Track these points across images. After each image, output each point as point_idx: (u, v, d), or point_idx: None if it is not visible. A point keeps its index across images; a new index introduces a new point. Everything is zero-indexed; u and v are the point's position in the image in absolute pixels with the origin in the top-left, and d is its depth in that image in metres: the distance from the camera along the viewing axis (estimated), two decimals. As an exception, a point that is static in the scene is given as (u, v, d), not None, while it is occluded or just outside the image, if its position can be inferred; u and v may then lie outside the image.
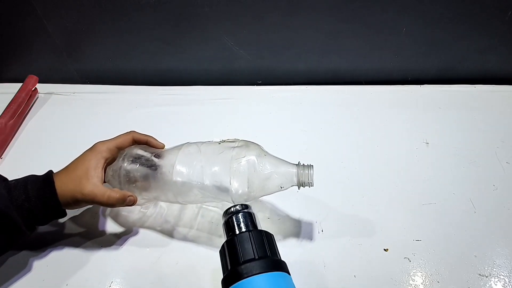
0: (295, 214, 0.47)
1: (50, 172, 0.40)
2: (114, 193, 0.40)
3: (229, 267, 0.33)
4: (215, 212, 0.47)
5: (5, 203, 0.36)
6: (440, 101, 0.65)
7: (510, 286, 0.40)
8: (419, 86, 0.68)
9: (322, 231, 0.46)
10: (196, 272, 0.42)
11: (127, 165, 0.43)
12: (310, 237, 0.45)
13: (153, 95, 0.68)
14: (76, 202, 0.39)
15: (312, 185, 0.39)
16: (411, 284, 0.40)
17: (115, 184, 0.43)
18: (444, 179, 0.51)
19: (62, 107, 0.66)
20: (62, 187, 0.38)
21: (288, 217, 0.47)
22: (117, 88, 0.70)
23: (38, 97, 0.68)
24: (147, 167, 0.42)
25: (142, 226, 0.46)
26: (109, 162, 0.43)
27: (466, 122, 0.61)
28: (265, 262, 0.32)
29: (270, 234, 0.36)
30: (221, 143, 0.42)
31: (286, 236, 0.45)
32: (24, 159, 0.57)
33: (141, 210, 0.48)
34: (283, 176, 0.39)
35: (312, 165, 0.40)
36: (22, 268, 0.42)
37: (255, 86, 0.70)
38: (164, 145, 0.47)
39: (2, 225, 0.36)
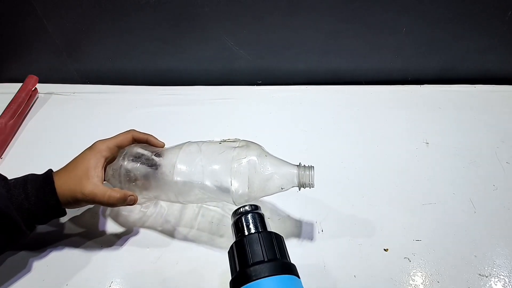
0: (295, 214, 0.47)
1: (50, 171, 0.40)
2: (114, 193, 0.40)
3: (237, 269, 0.32)
4: (216, 212, 0.47)
5: (4, 202, 0.35)
6: (440, 101, 0.65)
7: (510, 286, 0.40)
8: (419, 86, 0.68)
9: (322, 231, 0.46)
10: (196, 272, 0.42)
11: (127, 164, 0.43)
12: (310, 237, 0.45)
13: (153, 95, 0.68)
14: (76, 201, 0.39)
15: (313, 186, 0.39)
16: (411, 284, 0.40)
17: (116, 183, 0.43)
18: (444, 179, 0.51)
19: (62, 107, 0.66)
20: (62, 186, 0.38)
21: (288, 217, 0.47)
22: (117, 88, 0.70)
23: (38, 97, 0.68)
24: (148, 166, 0.42)
25: (143, 226, 0.46)
26: (109, 161, 0.43)
27: (466, 122, 0.61)
28: (275, 264, 0.32)
29: (280, 236, 0.35)
30: (222, 142, 0.42)
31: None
32: (24, 159, 0.56)
33: (141, 209, 0.48)
34: (283, 177, 0.39)
35: (313, 166, 0.40)
36: (22, 268, 0.42)
37: (255, 86, 0.70)
38: (164, 144, 0.47)
39: (1, 224, 0.35)
